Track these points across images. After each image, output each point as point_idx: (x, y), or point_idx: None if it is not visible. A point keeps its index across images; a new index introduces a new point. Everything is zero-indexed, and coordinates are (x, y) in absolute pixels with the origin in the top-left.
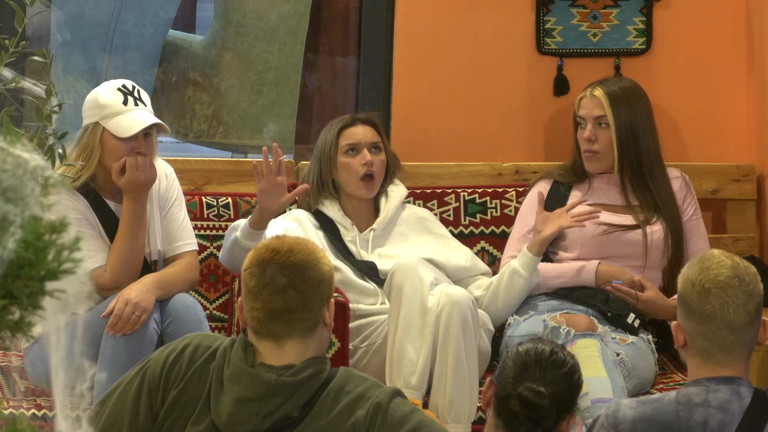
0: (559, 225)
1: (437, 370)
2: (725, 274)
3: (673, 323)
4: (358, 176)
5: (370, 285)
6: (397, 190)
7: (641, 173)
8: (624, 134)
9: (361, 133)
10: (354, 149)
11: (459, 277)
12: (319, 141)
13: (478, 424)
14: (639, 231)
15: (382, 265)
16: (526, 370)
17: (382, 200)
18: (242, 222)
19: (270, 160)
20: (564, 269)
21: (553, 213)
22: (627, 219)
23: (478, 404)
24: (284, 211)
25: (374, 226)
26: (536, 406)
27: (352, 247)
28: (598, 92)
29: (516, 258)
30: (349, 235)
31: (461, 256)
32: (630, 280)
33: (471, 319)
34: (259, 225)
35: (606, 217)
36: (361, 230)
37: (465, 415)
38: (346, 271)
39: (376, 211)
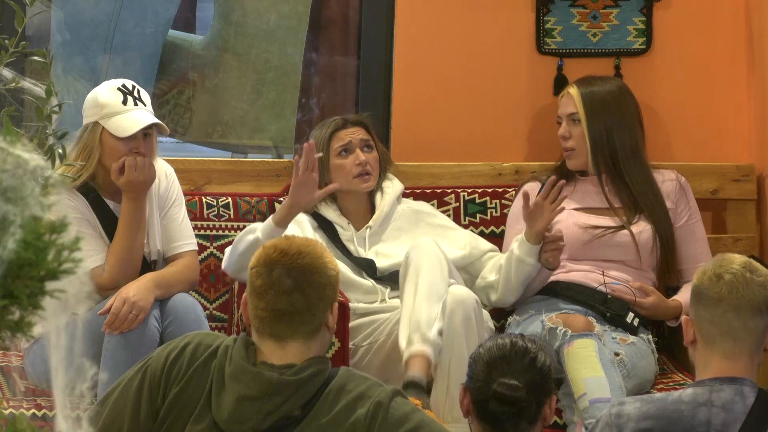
0: (545, 219)
1: (439, 368)
2: (738, 263)
3: (683, 318)
4: (352, 175)
5: (369, 282)
6: (392, 186)
7: (617, 171)
8: (597, 133)
9: (351, 133)
10: (346, 150)
11: (462, 265)
12: None
13: None
14: (625, 232)
15: (380, 263)
16: (494, 367)
17: (378, 197)
18: (258, 225)
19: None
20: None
21: (535, 207)
22: (610, 221)
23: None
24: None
25: (370, 223)
26: (514, 400)
27: (350, 246)
28: (573, 90)
29: (515, 246)
30: (347, 234)
31: (459, 244)
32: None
33: (475, 319)
34: (284, 221)
35: (591, 220)
36: (357, 228)
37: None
38: (345, 269)
39: (372, 208)
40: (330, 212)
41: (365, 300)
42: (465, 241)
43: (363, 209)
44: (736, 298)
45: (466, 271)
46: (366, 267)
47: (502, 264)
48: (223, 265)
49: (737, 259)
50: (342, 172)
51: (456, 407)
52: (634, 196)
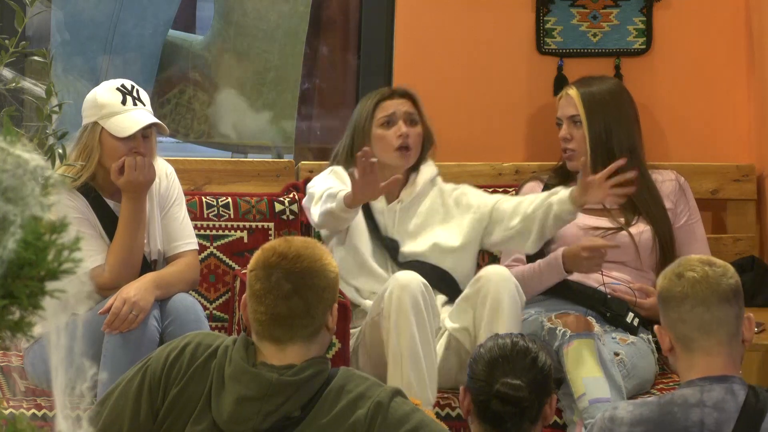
0: (595, 197)
1: (391, 355)
2: (696, 261)
3: (656, 327)
4: (393, 148)
5: (384, 274)
6: (428, 168)
7: (615, 172)
8: (597, 133)
9: (397, 104)
10: (389, 121)
11: (481, 229)
12: (355, 112)
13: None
14: (625, 233)
15: (404, 247)
16: (496, 367)
17: (413, 174)
18: (340, 194)
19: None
20: (534, 270)
21: (594, 180)
22: (609, 222)
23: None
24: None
25: (402, 197)
26: (517, 399)
27: (379, 218)
28: (572, 92)
29: (555, 202)
30: (378, 205)
31: (465, 222)
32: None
33: (422, 302)
34: (353, 205)
35: (591, 221)
36: (389, 201)
37: (425, 398)
38: (365, 250)
39: (407, 184)
40: None
41: (377, 289)
42: (488, 210)
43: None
44: (701, 291)
45: (486, 232)
46: (390, 248)
47: (533, 215)
48: (314, 221)
49: (694, 257)
50: (382, 143)
51: (414, 391)
52: (631, 197)
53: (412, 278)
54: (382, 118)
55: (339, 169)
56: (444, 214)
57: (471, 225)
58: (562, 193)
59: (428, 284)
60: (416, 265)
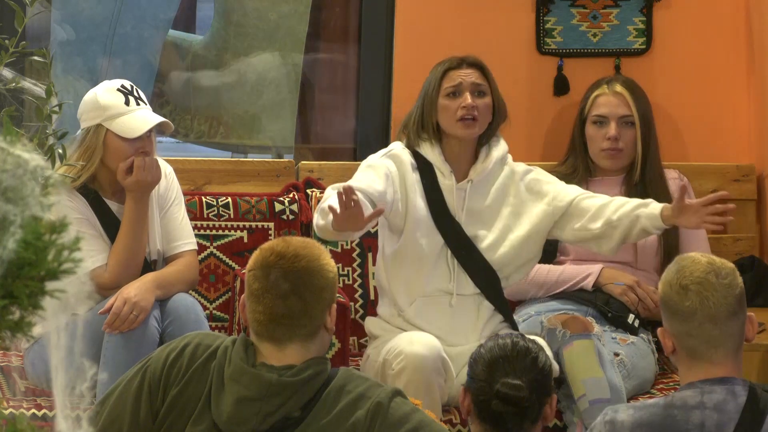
0: (691, 222)
1: None
2: (700, 269)
3: (659, 330)
4: (455, 119)
5: (438, 266)
6: (499, 145)
7: (642, 173)
8: (645, 134)
9: (464, 75)
10: (456, 92)
11: (550, 223)
12: (425, 82)
13: None
14: None
15: (468, 230)
16: (496, 367)
17: (484, 150)
18: (329, 217)
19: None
20: (566, 275)
21: (691, 206)
22: None
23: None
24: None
25: (471, 176)
26: (517, 399)
27: (448, 199)
28: (621, 89)
29: (644, 215)
30: (446, 183)
31: (537, 211)
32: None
33: (437, 379)
34: (338, 230)
35: None
36: (458, 180)
37: None
38: (422, 242)
39: (477, 160)
40: (433, 155)
41: (438, 286)
42: (563, 203)
43: (466, 158)
44: (709, 307)
45: (557, 226)
46: (450, 238)
47: (617, 222)
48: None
49: (698, 265)
50: (447, 114)
51: None
52: (648, 197)
53: (428, 353)
54: (449, 88)
55: (399, 152)
56: (514, 199)
57: (541, 216)
58: (652, 207)
59: (446, 358)
60: (472, 258)
